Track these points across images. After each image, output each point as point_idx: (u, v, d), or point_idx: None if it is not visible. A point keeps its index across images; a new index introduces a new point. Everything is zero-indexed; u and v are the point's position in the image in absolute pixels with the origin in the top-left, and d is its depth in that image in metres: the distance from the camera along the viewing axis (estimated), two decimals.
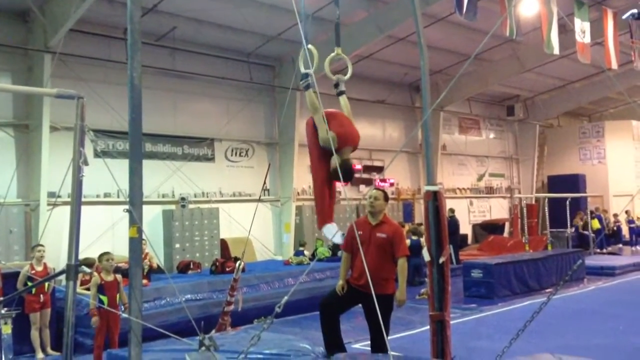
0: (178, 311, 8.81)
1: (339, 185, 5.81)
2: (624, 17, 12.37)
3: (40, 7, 11.57)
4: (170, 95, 14.59)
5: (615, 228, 21.63)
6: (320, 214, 5.44)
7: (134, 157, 4.30)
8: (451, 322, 5.66)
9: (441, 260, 5.46)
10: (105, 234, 12.69)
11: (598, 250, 18.89)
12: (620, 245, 21.05)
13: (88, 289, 7.63)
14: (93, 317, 6.85)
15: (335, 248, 14.51)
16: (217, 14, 13.58)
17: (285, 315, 9.11)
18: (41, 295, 8.03)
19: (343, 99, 5.65)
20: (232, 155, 16.01)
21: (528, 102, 24.69)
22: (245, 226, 14.38)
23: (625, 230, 22.37)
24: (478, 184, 24.03)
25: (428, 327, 5.67)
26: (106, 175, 5.31)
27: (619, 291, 12.47)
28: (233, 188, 15.76)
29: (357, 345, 7.23)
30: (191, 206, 14.56)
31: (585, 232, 19.46)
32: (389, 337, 4.82)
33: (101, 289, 7.00)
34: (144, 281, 7.88)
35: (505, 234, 22.62)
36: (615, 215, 21.65)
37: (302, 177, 16.48)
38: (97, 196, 12.99)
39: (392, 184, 19.65)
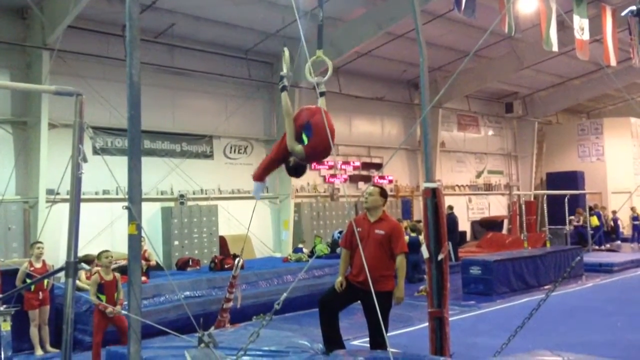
0: (177, 308, 8.84)
1: (338, 183, 5.83)
2: (622, 14, 12.35)
3: (39, 3, 11.52)
4: (169, 92, 14.58)
5: (612, 224, 21.61)
6: (260, 169, 5.91)
7: (132, 154, 4.29)
8: (450, 319, 5.69)
9: (440, 257, 5.49)
10: (104, 231, 12.71)
11: (596, 247, 18.90)
12: (619, 242, 21.05)
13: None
14: (106, 309, 6.84)
15: (334, 245, 14.54)
16: (216, 11, 13.57)
17: (284, 312, 9.16)
18: (40, 292, 8.03)
19: (322, 101, 5.37)
20: (230, 152, 16.01)
21: (527, 99, 24.67)
22: (244, 223, 14.41)
23: (628, 227, 22.34)
24: (477, 181, 24.03)
25: (427, 323, 5.71)
26: (105, 173, 5.32)
27: (617, 288, 12.52)
28: (232, 185, 15.75)
29: (356, 342, 7.27)
30: (190, 203, 14.57)
31: (584, 225, 19.48)
32: (387, 334, 4.81)
33: (100, 288, 7.00)
34: (143, 278, 7.88)
35: (504, 231, 22.60)
36: (614, 212, 21.64)
37: None
38: (96, 193, 13.00)
39: (390, 181, 19.65)
